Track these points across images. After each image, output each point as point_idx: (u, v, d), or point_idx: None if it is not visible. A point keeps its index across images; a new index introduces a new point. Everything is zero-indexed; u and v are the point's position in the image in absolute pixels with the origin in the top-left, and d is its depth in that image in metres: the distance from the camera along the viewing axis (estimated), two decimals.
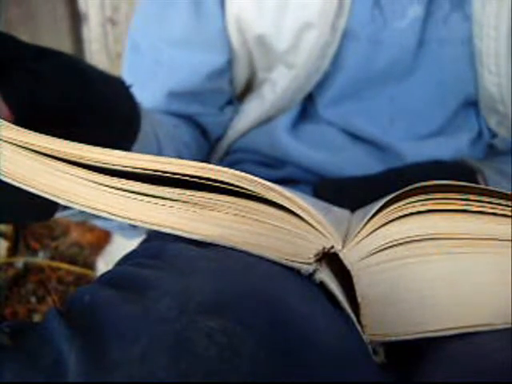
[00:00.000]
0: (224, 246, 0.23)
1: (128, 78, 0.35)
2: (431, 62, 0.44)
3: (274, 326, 0.19)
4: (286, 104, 0.47)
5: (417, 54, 0.44)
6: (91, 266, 0.87)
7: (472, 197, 0.22)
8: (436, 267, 0.23)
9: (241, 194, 0.23)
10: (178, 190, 0.22)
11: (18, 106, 0.25)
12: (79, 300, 0.21)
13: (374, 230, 0.23)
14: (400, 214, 0.23)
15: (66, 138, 0.22)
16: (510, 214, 0.22)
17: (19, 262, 0.85)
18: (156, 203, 0.22)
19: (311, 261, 0.23)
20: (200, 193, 0.23)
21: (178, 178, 0.22)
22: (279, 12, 0.43)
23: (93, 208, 0.22)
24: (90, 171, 0.22)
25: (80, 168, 0.22)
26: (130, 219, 0.22)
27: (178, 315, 0.18)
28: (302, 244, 0.23)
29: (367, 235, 0.23)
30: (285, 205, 0.22)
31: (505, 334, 0.23)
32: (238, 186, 0.22)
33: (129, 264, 0.24)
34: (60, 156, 0.22)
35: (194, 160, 0.22)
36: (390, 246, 0.23)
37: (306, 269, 0.23)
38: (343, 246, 0.23)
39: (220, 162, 0.52)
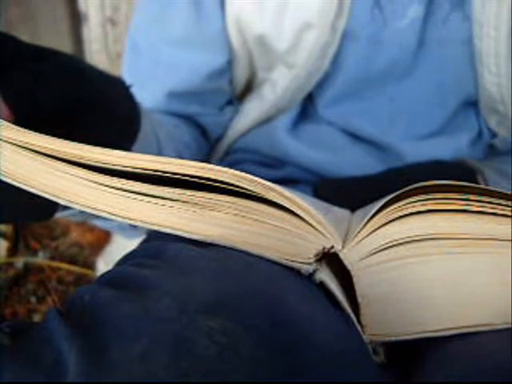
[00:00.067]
0: (224, 246, 0.23)
1: (128, 78, 0.36)
2: (431, 62, 0.44)
3: (274, 325, 0.19)
4: (286, 104, 0.47)
5: (417, 54, 0.44)
6: (91, 266, 0.87)
7: (472, 197, 0.22)
8: (436, 267, 0.23)
9: (241, 194, 0.23)
10: (177, 190, 0.22)
11: (18, 106, 0.25)
12: (79, 300, 0.21)
13: (374, 230, 0.23)
14: (400, 213, 0.23)
15: (66, 138, 0.22)
16: (510, 214, 0.22)
17: (19, 262, 0.85)
18: (156, 203, 0.22)
19: (311, 261, 0.23)
20: (200, 193, 0.23)
21: (178, 178, 0.22)
22: (279, 12, 0.43)
23: (93, 208, 0.22)
24: (90, 171, 0.22)
25: (80, 168, 0.22)
26: (130, 219, 0.22)
27: (178, 315, 0.18)
28: (301, 244, 0.23)
29: (367, 235, 0.23)
30: (285, 205, 0.22)
31: (505, 333, 0.23)
32: (238, 186, 0.22)
33: (129, 264, 0.24)
34: (60, 156, 0.22)
35: (194, 160, 0.22)
36: (390, 246, 0.23)
37: (306, 269, 0.23)
38: (343, 246, 0.23)
39: (220, 162, 0.52)
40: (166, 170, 0.22)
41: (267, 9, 0.43)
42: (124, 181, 0.22)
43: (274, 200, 0.22)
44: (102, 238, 0.87)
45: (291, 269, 0.23)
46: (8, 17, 0.81)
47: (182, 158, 0.22)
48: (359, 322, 0.24)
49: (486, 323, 0.23)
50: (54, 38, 0.90)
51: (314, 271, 0.23)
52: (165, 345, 0.17)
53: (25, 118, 0.25)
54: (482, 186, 0.22)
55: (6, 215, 0.24)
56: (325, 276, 0.23)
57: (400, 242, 0.23)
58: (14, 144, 0.22)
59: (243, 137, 0.50)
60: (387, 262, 0.23)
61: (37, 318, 0.78)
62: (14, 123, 0.22)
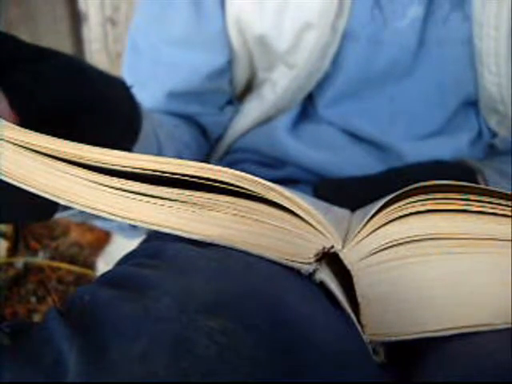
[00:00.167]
0: (224, 246, 0.23)
1: (128, 78, 0.36)
2: (431, 62, 0.44)
3: (274, 325, 0.19)
4: (286, 104, 0.47)
5: (417, 54, 0.44)
6: (91, 266, 0.87)
7: (472, 197, 0.22)
8: (436, 267, 0.23)
9: (240, 194, 0.23)
10: (176, 190, 0.22)
11: (18, 106, 0.25)
12: (79, 300, 0.21)
13: (374, 230, 0.23)
14: (400, 213, 0.23)
15: (67, 139, 0.22)
16: (510, 214, 0.22)
17: (19, 262, 0.85)
18: (155, 203, 0.22)
19: (311, 261, 0.23)
20: (199, 193, 0.23)
21: (177, 178, 0.22)
22: (279, 12, 0.43)
23: (93, 208, 0.22)
24: (90, 171, 0.22)
25: (80, 168, 0.22)
26: (130, 219, 0.22)
27: (178, 315, 0.18)
28: (301, 244, 0.23)
29: (367, 235, 0.23)
30: (285, 205, 0.22)
31: (505, 333, 0.23)
32: (237, 186, 0.22)
33: (129, 264, 0.24)
34: (60, 156, 0.22)
35: (194, 160, 0.22)
36: (390, 246, 0.23)
37: (306, 269, 0.23)
38: (343, 246, 0.23)
39: (220, 162, 0.52)
40: (164, 169, 0.22)
41: (267, 9, 0.43)
42: (124, 181, 0.22)
43: (274, 200, 0.22)
44: (102, 238, 0.87)
45: (291, 269, 0.23)
46: (8, 17, 0.81)
47: (182, 157, 0.22)
48: (359, 321, 0.24)
49: (486, 323, 0.23)
50: (53, 37, 0.90)
51: (314, 271, 0.23)
52: (165, 345, 0.17)
53: (25, 118, 0.25)
54: (482, 186, 0.22)
55: (6, 215, 0.24)
56: (325, 276, 0.23)
57: (400, 241, 0.23)
58: (15, 144, 0.22)
59: (243, 137, 0.50)
60: (387, 261, 0.23)
61: (37, 317, 0.78)
62: (19, 125, 0.22)
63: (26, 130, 0.22)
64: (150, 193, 0.22)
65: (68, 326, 0.19)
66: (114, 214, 0.22)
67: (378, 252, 0.23)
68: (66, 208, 0.25)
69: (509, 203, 0.22)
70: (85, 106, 0.28)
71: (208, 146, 0.53)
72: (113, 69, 0.90)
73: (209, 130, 0.51)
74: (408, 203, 0.23)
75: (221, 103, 0.51)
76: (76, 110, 0.28)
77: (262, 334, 0.19)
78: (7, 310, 0.78)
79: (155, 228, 0.23)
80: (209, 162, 0.22)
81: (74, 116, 0.28)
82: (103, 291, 0.21)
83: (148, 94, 0.47)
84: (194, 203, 0.23)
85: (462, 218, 0.23)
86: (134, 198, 0.22)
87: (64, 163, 0.22)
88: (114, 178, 0.22)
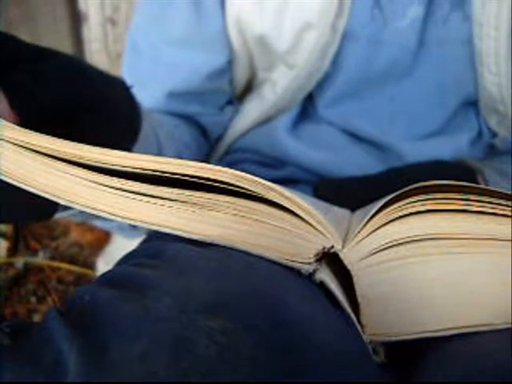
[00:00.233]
0: (224, 246, 0.23)
1: (128, 78, 0.36)
2: (431, 62, 0.44)
3: (274, 325, 0.19)
4: (286, 104, 0.47)
5: (417, 54, 0.44)
6: (91, 266, 0.87)
7: (472, 197, 0.22)
8: (436, 267, 0.23)
9: (240, 194, 0.23)
10: (176, 190, 0.22)
11: (18, 106, 0.25)
12: (79, 300, 0.21)
13: (374, 230, 0.23)
14: (400, 213, 0.23)
15: (67, 139, 0.22)
16: (510, 214, 0.22)
17: (19, 262, 0.85)
18: (155, 203, 0.22)
19: (311, 261, 0.23)
20: (198, 193, 0.23)
21: (177, 178, 0.22)
22: (279, 12, 0.43)
23: (93, 208, 0.22)
24: (90, 171, 0.22)
25: (80, 168, 0.22)
26: (130, 219, 0.22)
27: (178, 315, 0.18)
28: (301, 244, 0.23)
29: (367, 235, 0.23)
30: (285, 205, 0.22)
31: (505, 333, 0.23)
32: (237, 186, 0.22)
33: (129, 264, 0.24)
34: (60, 156, 0.22)
35: (194, 160, 0.22)
36: (390, 246, 0.23)
37: (306, 269, 0.23)
38: (343, 246, 0.23)
39: (220, 162, 0.52)
40: (164, 169, 0.22)
41: (267, 9, 0.43)
42: (124, 181, 0.22)
43: (274, 200, 0.22)
44: (102, 238, 0.87)
45: (291, 269, 0.23)
46: (8, 17, 0.81)
47: (182, 157, 0.22)
48: (359, 321, 0.24)
49: (486, 323, 0.23)
50: (53, 37, 0.90)
51: (314, 271, 0.23)
52: (165, 345, 0.17)
53: (25, 118, 0.25)
54: (482, 186, 0.22)
55: (6, 215, 0.24)
56: (325, 276, 0.23)
57: (400, 241, 0.23)
58: (15, 144, 0.22)
59: (243, 137, 0.50)
60: (387, 261, 0.23)
61: (37, 317, 0.78)
62: (19, 125, 0.22)
63: (26, 130, 0.22)
64: (150, 193, 0.22)
65: (68, 326, 0.19)
66: (114, 214, 0.22)
67: (377, 252, 0.23)
68: (66, 208, 0.25)
69: (509, 203, 0.22)
70: (85, 106, 0.28)
71: (208, 146, 0.53)
72: (113, 69, 0.90)
73: (209, 130, 0.51)
74: (408, 203, 0.23)
75: (221, 103, 0.51)
76: (76, 110, 0.28)
77: (262, 334, 0.19)
78: (7, 309, 0.78)
79: (155, 228, 0.23)
80: (209, 162, 0.22)
81: (74, 116, 0.28)
82: (103, 291, 0.21)
83: (148, 93, 0.47)
84: (194, 203, 0.23)
85: (462, 217, 0.23)
86: (134, 198, 0.22)
87: (64, 163, 0.22)
88: (114, 178, 0.22)
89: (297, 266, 0.23)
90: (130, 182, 0.22)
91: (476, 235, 0.23)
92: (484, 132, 0.48)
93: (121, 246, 0.71)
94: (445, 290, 0.23)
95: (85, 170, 0.22)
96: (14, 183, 0.22)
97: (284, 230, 0.23)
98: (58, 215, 0.28)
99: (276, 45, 0.44)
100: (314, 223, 0.22)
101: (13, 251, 0.87)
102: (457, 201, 0.22)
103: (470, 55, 0.44)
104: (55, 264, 0.86)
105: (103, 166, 0.22)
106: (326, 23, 0.42)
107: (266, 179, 0.22)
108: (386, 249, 0.23)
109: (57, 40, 0.90)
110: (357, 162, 0.46)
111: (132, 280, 0.21)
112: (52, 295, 0.80)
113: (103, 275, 0.23)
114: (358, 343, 0.23)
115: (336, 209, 0.36)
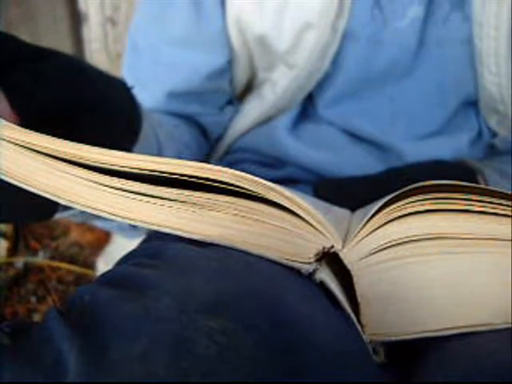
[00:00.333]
0: (224, 246, 0.23)
1: (128, 78, 0.36)
2: (431, 62, 0.44)
3: (274, 325, 0.19)
4: (286, 104, 0.47)
5: (417, 54, 0.44)
6: (91, 266, 0.87)
7: (474, 197, 0.22)
8: (436, 267, 0.23)
9: (240, 194, 0.23)
10: (175, 190, 0.22)
11: (18, 106, 0.25)
12: (79, 300, 0.21)
13: (374, 230, 0.23)
14: (400, 213, 0.23)
15: (67, 139, 0.22)
16: (510, 214, 0.22)
17: (19, 262, 0.85)
18: (155, 203, 0.22)
19: (311, 260, 0.23)
20: (198, 193, 0.23)
21: (177, 178, 0.22)
22: (279, 12, 0.43)
23: (93, 208, 0.22)
24: (91, 171, 0.22)
25: (80, 168, 0.22)
26: (130, 219, 0.22)
27: (178, 315, 0.18)
28: (302, 244, 0.23)
29: (367, 235, 0.23)
30: (285, 205, 0.22)
31: (505, 333, 0.23)
32: (237, 186, 0.22)
33: (129, 264, 0.24)
34: (60, 156, 0.22)
35: (194, 160, 0.22)
36: (390, 246, 0.23)
37: (306, 268, 0.23)
38: (343, 246, 0.23)
39: (220, 162, 0.52)
40: (164, 169, 0.22)
41: (267, 9, 0.43)
42: (124, 181, 0.22)
43: (274, 200, 0.22)
44: (102, 238, 0.87)
45: (291, 269, 0.23)
46: (8, 17, 0.81)
47: (182, 157, 0.22)
48: (359, 321, 0.24)
49: (486, 323, 0.23)
50: (53, 37, 0.90)
51: (314, 271, 0.23)
52: (165, 345, 0.17)
53: (25, 118, 0.25)
54: (483, 186, 0.22)
55: (7, 215, 0.24)
56: (325, 276, 0.23)
57: (400, 241, 0.23)
58: (15, 144, 0.22)
59: (243, 137, 0.50)
60: (387, 261, 0.23)
61: (37, 317, 0.78)
62: (19, 125, 0.22)
63: (27, 130, 0.22)
64: (150, 193, 0.22)
65: (68, 325, 0.19)
66: (114, 214, 0.22)
67: (377, 252, 0.23)
68: (66, 208, 0.25)
69: (509, 203, 0.22)
70: (85, 105, 0.28)
71: (208, 146, 0.53)
72: (113, 69, 0.90)
73: (209, 130, 0.51)
74: (407, 203, 0.23)
75: (221, 103, 0.51)
76: (76, 110, 0.28)
77: (262, 334, 0.19)
78: (7, 309, 0.78)
79: (155, 228, 0.23)
80: (209, 162, 0.22)
81: (74, 116, 0.28)
82: (103, 291, 0.21)
83: (148, 94, 0.47)
84: (194, 203, 0.23)
85: (463, 218, 0.23)
86: (134, 198, 0.22)
87: (64, 163, 0.22)
88: (114, 178, 0.22)
89: (297, 265, 0.23)
90: (130, 182, 0.22)
91: (477, 235, 0.23)
92: (484, 132, 0.48)
93: (121, 246, 0.71)
94: (445, 289, 0.23)
95: (85, 170, 0.22)
96: (15, 183, 0.22)
97: (284, 229, 0.23)
98: (58, 215, 0.28)
99: (276, 45, 0.44)
100: (314, 223, 0.22)
101: (13, 251, 0.87)
102: (459, 201, 0.22)
103: (469, 55, 0.44)
104: (55, 264, 0.86)
105: (103, 166, 0.22)
106: (326, 23, 0.42)
107: (266, 179, 0.22)
108: (385, 249, 0.23)
109: (57, 40, 0.90)
110: (357, 162, 0.46)
111: (132, 280, 0.21)
112: (52, 295, 0.80)
113: (103, 275, 0.23)
114: (358, 343, 0.23)
115: (336, 209, 0.36)
